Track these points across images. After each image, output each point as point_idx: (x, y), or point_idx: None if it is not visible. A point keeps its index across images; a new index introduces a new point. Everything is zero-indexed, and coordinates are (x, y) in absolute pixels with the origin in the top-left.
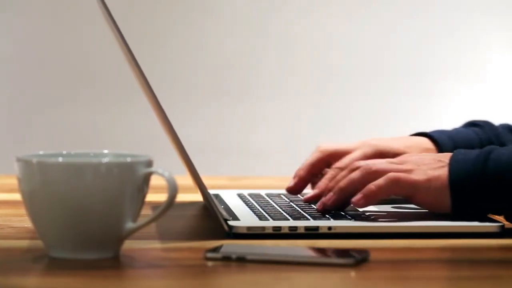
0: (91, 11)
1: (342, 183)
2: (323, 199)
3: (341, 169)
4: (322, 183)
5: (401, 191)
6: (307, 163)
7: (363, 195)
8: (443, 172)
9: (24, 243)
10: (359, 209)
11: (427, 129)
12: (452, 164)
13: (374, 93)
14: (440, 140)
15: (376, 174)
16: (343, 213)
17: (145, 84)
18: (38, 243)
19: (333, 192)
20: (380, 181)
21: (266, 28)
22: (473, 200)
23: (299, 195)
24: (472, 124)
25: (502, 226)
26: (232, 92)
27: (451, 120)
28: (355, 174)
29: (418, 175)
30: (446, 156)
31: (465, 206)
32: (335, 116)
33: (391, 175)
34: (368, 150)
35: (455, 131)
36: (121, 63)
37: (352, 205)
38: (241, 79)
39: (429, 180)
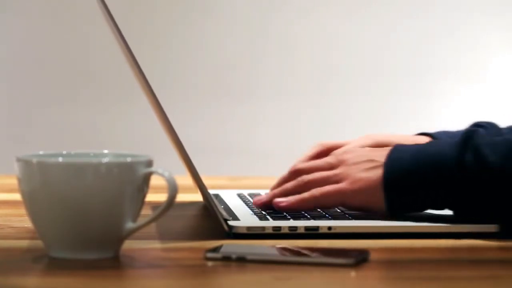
0: (91, 11)
1: (276, 191)
2: (255, 198)
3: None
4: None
5: (330, 205)
6: (305, 155)
7: (286, 200)
8: (376, 173)
9: (24, 243)
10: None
11: (427, 129)
12: (386, 164)
13: (374, 93)
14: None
15: (308, 185)
16: (343, 213)
17: (145, 84)
18: (38, 243)
19: (266, 195)
20: (305, 194)
21: (266, 28)
22: (408, 199)
23: None
24: (476, 126)
25: (502, 226)
26: (232, 92)
27: (451, 120)
28: (289, 184)
29: (345, 182)
30: (381, 155)
31: (400, 206)
32: (335, 116)
33: (317, 190)
34: (367, 141)
35: (460, 132)
36: (121, 63)
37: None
38: (241, 79)
39: (357, 182)
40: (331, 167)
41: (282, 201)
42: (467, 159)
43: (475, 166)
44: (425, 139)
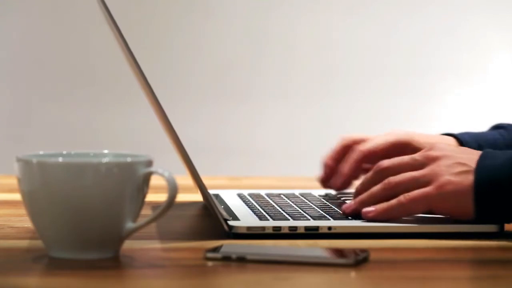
0: (91, 11)
1: (363, 196)
2: (344, 206)
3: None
4: (346, 168)
5: (418, 211)
6: (332, 150)
7: (374, 210)
8: (465, 178)
9: (24, 243)
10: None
11: (428, 129)
12: (477, 171)
13: (374, 93)
14: (464, 141)
15: (396, 188)
16: (343, 213)
17: (145, 84)
18: (38, 243)
19: (354, 202)
20: (393, 202)
21: (266, 28)
22: (498, 208)
23: (298, 194)
24: (497, 127)
25: (502, 226)
26: (232, 92)
27: (451, 120)
28: (376, 189)
29: (435, 185)
30: (471, 159)
31: (490, 214)
32: (335, 116)
33: (405, 197)
34: (390, 138)
35: (482, 133)
36: (121, 63)
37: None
38: (241, 79)
39: (448, 189)
40: (418, 165)
41: (370, 211)
42: None
43: None
44: (449, 139)
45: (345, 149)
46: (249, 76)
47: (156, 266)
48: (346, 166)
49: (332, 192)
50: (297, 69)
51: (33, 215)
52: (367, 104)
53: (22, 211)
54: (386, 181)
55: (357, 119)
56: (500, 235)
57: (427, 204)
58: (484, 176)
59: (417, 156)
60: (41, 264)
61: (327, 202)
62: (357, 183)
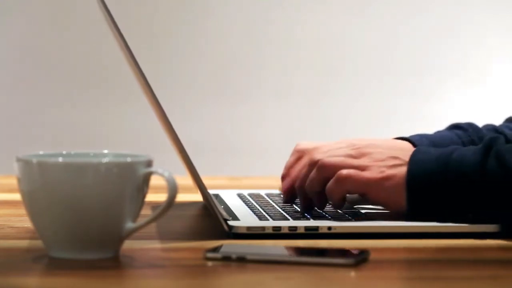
0: (91, 11)
1: (306, 185)
2: (302, 203)
3: (299, 152)
4: (286, 182)
5: (353, 189)
6: (286, 166)
7: (317, 200)
8: (400, 170)
9: (24, 243)
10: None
11: (428, 130)
12: (410, 164)
13: (374, 94)
14: (420, 145)
15: (330, 169)
16: (343, 213)
17: (145, 84)
18: (38, 243)
19: (299, 196)
20: (331, 183)
21: (266, 28)
22: (430, 202)
23: None
24: (455, 127)
25: (502, 226)
26: (232, 92)
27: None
28: (313, 174)
29: (371, 173)
30: (405, 154)
31: (421, 208)
32: (336, 116)
33: (341, 174)
34: (342, 145)
35: (437, 134)
36: (121, 63)
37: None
38: (241, 79)
39: (382, 179)
40: (353, 158)
41: (317, 205)
42: (489, 165)
43: (497, 172)
44: (404, 144)
45: (299, 159)
46: (249, 76)
47: (156, 266)
48: (286, 183)
49: None
50: (296, 69)
51: (33, 215)
52: (368, 104)
53: (22, 211)
54: (320, 162)
55: (358, 119)
56: (500, 235)
57: (364, 187)
58: (416, 169)
59: (350, 150)
60: (41, 264)
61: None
62: None
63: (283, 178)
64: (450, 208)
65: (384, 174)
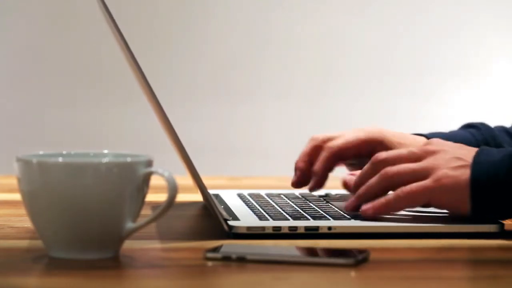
0: (92, 11)
1: (361, 190)
2: (346, 203)
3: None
4: (318, 167)
5: (415, 204)
6: (303, 153)
7: (372, 207)
8: (463, 172)
9: (24, 243)
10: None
11: (429, 130)
12: (474, 166)
13: (374, 94)
14: None
15: (394, 179)
16: (343, 213)
17: (145, 84)
18: (38, 243)
19: (354, 197)
20: (391, 197)
21: (267, 28)
22: (494, 203)
23: (298, 194)
24: (468, 126)
25: (502, 226)
26: (232, 92)
27: (453, 121)
28: (373, 181)
29: (433, 178)
30: (469, 155)
31: (485, 210)
32: (336, 116)
33: (402, 191)
34: (361, 134)
35: (451, 133)
36: (121, 63)
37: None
38: (241, 79)
39: (446, 182)
40: (416, 158)
41: (368, 208)
42: None
43: None
44: (420, 139)
45: (315, 150)
46: (249, 76)
47: (156, 266)
48: (317, 166)
49: (332, 192)
50: (297, 69)
51: (33, 215)
52: (368, 104)
53: (22, 211)
54: (383, 172)
55: (358, 119)
56: (500, 235)
57: (426, 197)
58: (480, 171)
59: (415, 149)
60: (41, 264)
61: (327, 202)
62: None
63: (298, 166)
64: None
65: (449, 175)
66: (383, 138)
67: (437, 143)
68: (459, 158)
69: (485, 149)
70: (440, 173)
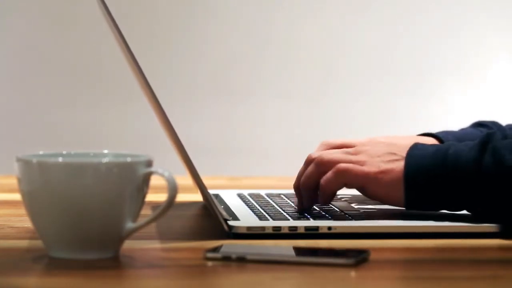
0: (92, 11)
1: (301, 182)
2: (297, 202)
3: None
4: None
5: (351, 182)
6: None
7: (320, 194)
8: (397, 165)
9: (24, 243)
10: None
11: (429, 130)
12: (408, 158)
13: (374, 94)
14: (446, 141)
15: (328, 165)
16: (343, 213)
17: (145, 84)
18: (38, 243)
19: (302, 193)
20: (329, 174)
21: (267, 27)
22: (427, 196)
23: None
24: (479, 125)
25: (502, 226)
26: (233, 92)
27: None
28: (309, 169)
29: (369, 167)
30: (402, 149)
31: (419, 202)
32: (336, 116)
33: (340, 166)
34: None
35: (462, 131)
36: (121, 63)
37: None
38: (242, 78)
39: (381, 173)
40: (350, 155)
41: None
42: (485, 161)
43: (493, 168)
44: (428, 140)
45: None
46: (250, 76)
47: (156, 266)
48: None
49: None
50: (297, 69)
51: (33, 215)
52: (368, 104)
53: (22, 211)
54: (318, 157)
55: (358, 119)
56: (500, 235)
57: (363, 181)
58: (413, 163)
59: (348, 149)
60: (41, 264)
61: None
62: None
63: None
64: (447, 203)
65: (382, 168)
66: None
67: (369, 142)
68: (392, 153)
69: (419, 144)
70: (376, 165)
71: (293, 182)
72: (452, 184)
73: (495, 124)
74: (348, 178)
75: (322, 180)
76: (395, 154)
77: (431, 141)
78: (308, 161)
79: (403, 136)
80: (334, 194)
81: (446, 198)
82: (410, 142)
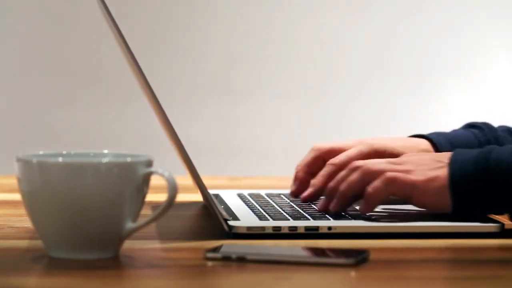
0: (92, 11)
1: (342, 187)
2: (324, 203)
3: (336, 165)
4: (318, 180)
5: (399, 192)
6: (304, 163)
7: (365, 202)
8: (443, 172)
9: (24, 243)
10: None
11: (429, 130)
12: (452, 164)
13: (374, 94)
14: (438, 142)
15: (375, 174)
16: (343, 213)
17: (145, 84)
18: (38, 243)
19: (336, 198)
20: (377, 182)
21: (267, 27)
22: (473, 200)
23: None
24: (471, 126)
25: (502, 226)
26: (233, 92)
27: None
28: (354, 177)
29: (416, 176)
30: (445, 156)
31: (465, 207)
32: (336, 116)
33: (388, 175)
34: (363, 148)
35: (454, 133)
36: (121, 63)
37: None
38: (241, 79)
39: (428, 181)
40: (395, 164)
41: (363, 206)
42: None
43: None
44: (420, 141)
45: (317, 161)
46: (249, 76)
47: (156, 266)
48: (318, 180)
49: None
50: (297, 69)
51: (33, 215)
52: (368, 104)
53: (22, 211)
54: (364, 167)
55: (358, 119)
56: (500, 235)
57: (411, 191)
58: (458, 169)
59: (389, 159)
60: (41, 264)
61: None
62: None
63: (298, 175)
64: (491, 207)
65: (428, 176)
66: (386, 147)
67: (408, 155)
68: (437, 161)
69: (459, 150)
70: (422, 173)
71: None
72: (496, 188)
73: (486, 125)
74: (396, 187)
75: (369, 188)
76: (440, 161)
77: (424, 142)
78: (351, 168)
79: (394, 138)
80: (380, 203)
81: (490, 202)
82: (404, 144)
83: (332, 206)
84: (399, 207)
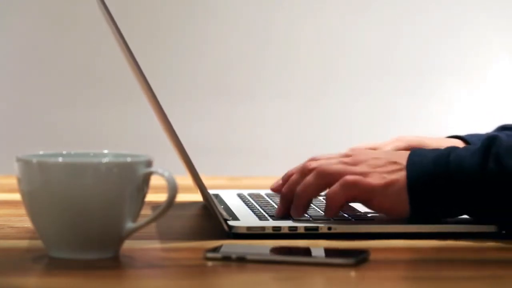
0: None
1: (298, 190)
2: (279, 208)
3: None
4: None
5: (359, 195)
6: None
7: (326, 206)
8: (400, 175)
9: (24, 243)
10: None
11: (429, 130)
12: (409, 167)
13: (374, 94)
14: (473, 143)
15: (331, 176)
16: (343, 213)
17: (145, 84)
18: (38, 243)
19: (282, 200)
20: (336, 187)
21: (267, 27)
22: (431, 204)
23: None
24: (504, 128)
25: (501, 226)
26: (233, 92)
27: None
28: (309, 178)
29: (375, 179)
30: (400, 157)
31: (424, 206)
32: (336, 116)
33: (347, 178)
34: (399, 144)
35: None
36: (121, 63)
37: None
38: (241, 79)
39: (386, 185)
40: (351, 165)
41: (327, 212)
42: (489, 167)
43: (497, 174)
44: (457, 142)
45: None
46: (249, 76)
47: (156, 266)
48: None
49: None
50: (297, 69)
51: (33, 215)
52: (368, 104)
53: (22, 211)
54: (319, 168)
55: (358, 119)
56: (499, 235)
57: (369, 194)
58: (415, 172)
59: (344, 158)
60: (41, 264)
61: None
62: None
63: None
64: (452, 210)
65: (387, 180)
66: (423, 144)
67: (363, 151)
68: (393, 162)
69: (417, 151)
70: (379, 175)
71: None
72: (456, 191)
73: None
74: (356, 192)
75: (328, 193)
76: (396, 163)
77: (460, 143)
78: (306, 171)
79: (431, 138)
80: (342, 207)
81: (451, 205)
82: (440, 144)
83: (285, 209)
84: None
